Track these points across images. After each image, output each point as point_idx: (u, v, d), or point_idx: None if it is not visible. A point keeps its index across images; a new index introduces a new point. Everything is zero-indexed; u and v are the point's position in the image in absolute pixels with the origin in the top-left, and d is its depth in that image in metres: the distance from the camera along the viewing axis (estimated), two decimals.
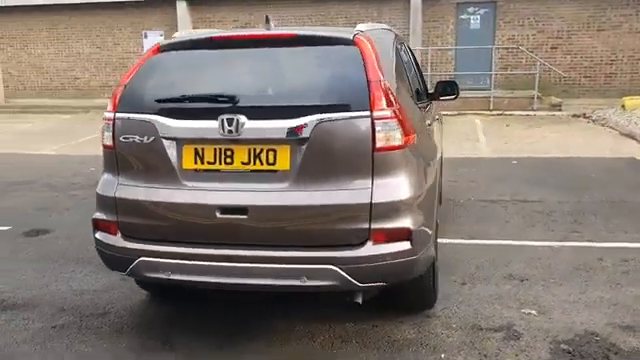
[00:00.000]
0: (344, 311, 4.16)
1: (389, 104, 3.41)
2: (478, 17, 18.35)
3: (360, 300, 3.72)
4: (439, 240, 4.83)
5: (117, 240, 3.72)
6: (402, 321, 4.13)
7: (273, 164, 3.45)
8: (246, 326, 4.13)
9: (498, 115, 16.00)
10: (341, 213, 3.40)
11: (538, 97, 16.51)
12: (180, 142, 3.55)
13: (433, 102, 5.63)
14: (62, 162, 11.01)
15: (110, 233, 3.75)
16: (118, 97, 3.73)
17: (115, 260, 3.78)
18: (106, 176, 3.84)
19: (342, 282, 3.39)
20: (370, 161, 3.38)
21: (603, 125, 13.93)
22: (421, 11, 18.28)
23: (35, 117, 18.58)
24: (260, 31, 3.93)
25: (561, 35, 17.87)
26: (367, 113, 3.36)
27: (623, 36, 17.54)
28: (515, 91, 17.29)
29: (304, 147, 3.39)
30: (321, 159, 3.41)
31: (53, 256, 5.69)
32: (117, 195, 3.70)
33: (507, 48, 18.02)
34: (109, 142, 3.74)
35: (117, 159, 3.73)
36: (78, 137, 13.82)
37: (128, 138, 3.65)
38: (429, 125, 4.69)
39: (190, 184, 3.55)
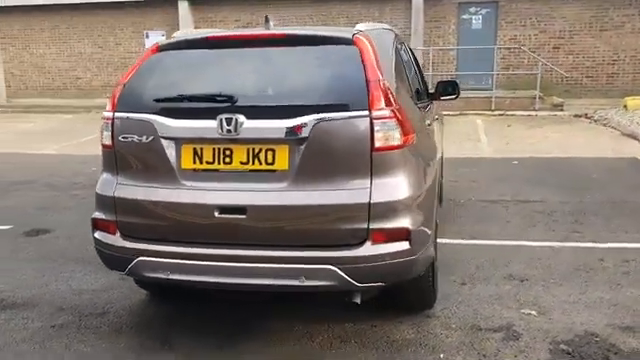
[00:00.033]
0: (343, 311, 4.16)
1: (388, 104, 3.40)
2: (480, 17, 18.33)
3: (359, 300, 3.72)
4: (439, 240, 4.82)
5: (116, 240, 3.72)
6: (401, 321, 4.12)
7: (272, 164, 3.45)
8: (245, 326, 4.12)
9: (500, 115, 15.98)
10: (340, 213, 3.40)
11: (540, 97, 16.49)
12: (179, 142, 3.55)
13: (434, 102, 5.61)
14: (63, 162, 11.02)
15: (109, 233, 3.75)
16: (117, 97, 3.73)
17: (114, 260, 3.78)
18: (105, 176, 3.84)
19: (341, 282, 3.38)
20: (369, 161, 3.38)
21: (605, 125, 13.91)
22: (423, 11, 18.26)
23: (37, 117, 18.61)
24: (260, 31, 3.93)
25: (563, 35, 17.84)
26: (366, 113, 3.35)
27: (625, 36, 17.50)
28: (517, 91, 17.28)
29: (303, 147, 3.39)
30: (320, 159, 3.41)
31: (53, 256, 5.70)
32: (116, 195, 3.70)
33: (509, 48, 17.99)
34: (108, 142, 3.74)
35: (116, 159, 3.73)
36: (79, 137, 13.83)
37: (127, 138, 3.64)
38: (429, 125, 4.68)
39: (189, 184, 3.55)
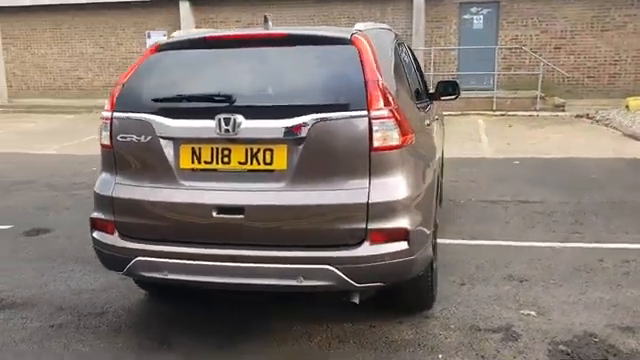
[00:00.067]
0: (342, 311, 4.15)
1: (387, 104, 3.39)
2: (481, 17, 18.33)
3: (357, 300, 3.71)
4: (439, 240, 4.82)
5: (114, 239, 3.71)
6: (400, 321, 4.11)
7: (270, 164, 3.44)
8: (244, 326, 4.12)
9: (501, 115, 15.98)
10: (338, 213, 3.39)
11: (541, 97, 16.49)
12: (177, 142, 3.55)
13: (434, 102, 5.61)
14: (64, 162, 11.04)
15: (107, 232, 3.75)
16: (115, 96, 3.73)
17: (112, 259, 3.77)
18: (104, 175, 3.84)
19: (339, 282, 3.37)
20: (367, 161, 3.37)
21: (606, 126, 13.90)
22: (424, 11, 18.27)
23: (38, 117, 18.65)
24: (258, 30, 3.93)
25: (565, 35, 17.83)
26: (364, 113, 3.35)
27: (627, 36, 17.49)
28: (518, 91, 17.28)
29: (301, 147, 3.38)
30: (318, 159, 3.40)
31: (52, 255, 5.70)
32: (114, 195, 3.69)
33: (510, 48, 17.99)
34: (107, 141, 3.74)
35: (115, 158, 3.73)
36: (80, 137, 13.83)
37: (126, 137, 3.64)
38: (428, 125, 4.67)
39: (187, 184, 3.55)
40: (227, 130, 3.40)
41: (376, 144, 3.36)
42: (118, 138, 3.67)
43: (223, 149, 3.48)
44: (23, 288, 4.91)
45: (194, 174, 3.55)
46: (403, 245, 3.41)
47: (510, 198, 7.49)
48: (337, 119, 3.37)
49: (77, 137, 13.93)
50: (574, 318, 4.13)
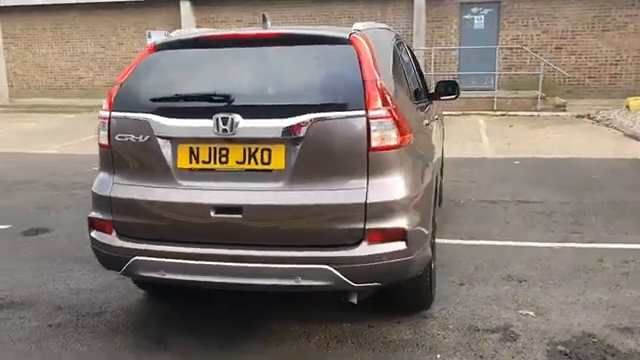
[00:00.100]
0: (340, 311, 4.14)
1: (385, 103, 3.39)
2: (482, 17, 18.32)
3: (355, 300, 3.70)
4: (438, 240, 4.82)
5: (112, 239, 3.71)
6: (399, 322, 4.10)
7: (268, 163, 3.44)
8: (242, 326, 4.11)
9: (502, 115, 15.97)
10: (336, 213, 3.39)
11: (542, 97, 16.48)
12: (175, 141, 3.54)
13: (433, 102, 5.60)
14: (64, 161, 11.04)
15: (105, 232, 3.74)
16: (113, 96, 3.73)
17: (110, 259, 3.77)
18: (102, 175, 3.83)
19: (337, 282, 3.37)
20: (365, 161, 3.36)
21: (607, 126, 13.89)
22: (425, 11, 18.27)
23: (39, 116, 18.65)
24: (257, 30, 3.93)
25: (565, 35, 17.82)
26: (362, 112, 3.34)
27: (628, 36, 17.48)
28: (519, 91, 17.27)
29: (299, 146, 3.38)
30: (316, 158, 3.40)
31: (51, 255, 5.69)
32: (112, 194, 3.69)
33: (511, 48, 17.98)
34: (105, 141, 3.73)
35: (113, 158, 3.72)
36: (81, 136, 13.83)
37: (123, 137, 3.64)
38: (427, 125, 4.66)
39: (185, 183, 3.54)
40: (225, 130, 3.39)
41: (374, 144, 3.35)
42: (116, 138, 3.66)
43: (221, 149, 3.48)
44: (21, 288, 4.91)
45: (192, 174, 3.54)
46: (401, 245, 3.41)
47: (510, 198, 7.48)
48: (335, 119, 3.36)
49: (78, 137, 13.92)
50: (573, 318, 4.12)
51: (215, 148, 3.48)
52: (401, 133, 3.46)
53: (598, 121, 14.60)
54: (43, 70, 22.10)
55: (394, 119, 3.41)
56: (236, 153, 3.46)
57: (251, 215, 3.43)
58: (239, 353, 3.80)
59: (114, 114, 3.68)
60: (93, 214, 3.84)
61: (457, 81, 5.76)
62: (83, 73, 21.68)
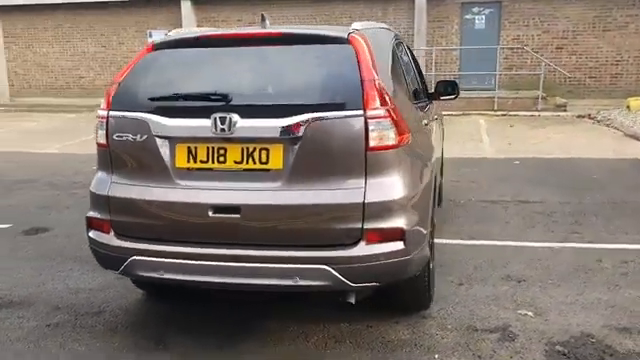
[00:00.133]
0: (339, 311, 4.13)
1: (383, 103, 3.38)
2: (483, 17, 18.31)
3: (353, 300, 3.70)
4: (438, 240, 4.82)
5: (110, 239, 3.71)
6: (397, 322, 4.10)
7: (266, 163, 3.43)
8: (241, 326, 4.11)
9: (502, 115, 15.96)
10: (334, 213, 3.38)
11: (543, 97, 16.46)
12: (173, 141, 3.54)
13: (433, 102, 5.59)
14: (65, 160, 11.04)
15: (103, 232, 3.74)
16: (112, 95, 3.73)
17: (108, 259, 3.77)
18: (100, 174, 3.83)
19: (335, 282, 3.36)
20: (363, 160, 3.36)
21: (608, 126, 13.88)
22: (426, 11, 18.26)
23: (40, 116, 18.66)
24: (255, 29, 3.92)
25: (566, 35, 17.81)
26: (360, 112, 3.34)
27: (629, 36, 17.47)
28: (520, 91, 17.26)
29: (297, 146, 3.37)
30: (314, 158, 3.39)
31: (51, 254, 5.70)
32: (110, 194, 3.69)
33: (512, 48, 17.97)
34: (103, 140, 3.73)
35: (111, 157, 3.72)
36: (82, 136, 13.83)
37: (121, 136, 3.64)
38: (426, 125, 4.65)
39: (183, 183, 3.54)
40: (223, 129, 3.39)
41: (372, 144, 3.35)
42: (114, 137, 3.66)
43: (219, 148, 3.47)
44: (21, 287, 4.91)
45: (190, 173, 3.54)
46: (399, 245, 3.40)
47: (510, 198, 7.48)
48: (333, 118, 3.36)
49: (78, 136, 13.93)
50: (571, 319, 4.12)
51: (213, 148, 3.48)
52: (399, 133, 3.45)
53: (599, 121, 14.58)
54: (44, 69, 22.12)
55: (392, 119, 3.40)
56: (234, 153, 3.46)
57: (249, 215, 3.42)
58: (238, 353, 3.80)
59: (112, 113, 3.68)
60: (91, 214, 3.83)
61: (457, 81, 5.75)
62: (84, 72, 21.69)
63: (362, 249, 3.37)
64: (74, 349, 3.89)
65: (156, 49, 3.85)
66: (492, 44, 17.55)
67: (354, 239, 3.37)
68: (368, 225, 3.36)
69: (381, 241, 3.38)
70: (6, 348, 3.93)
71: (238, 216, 3.41)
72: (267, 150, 3.42)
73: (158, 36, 18.91)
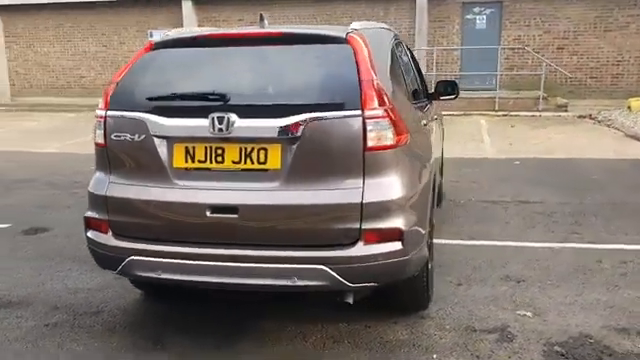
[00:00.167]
0: (337, 311, 4.13)
1: (381, 103, 3.38)
2: (484, 17, 18.31)
3: (351, 300, 3.69)
4: (437, 241, 4.82)
5: (108, 239, 3.70)
6: (395, 322, 4.09)
7: (264, 163, 3.43)
8: (239, 326, 4.10)
9: (503, 116, 15.95)
10: (332, 213, 3.38)
11: (544, 98, 16.45)
12: (171, 140, 3.53)
13: (433, 102, 5.58)
14: (65, 160, 11.04)
15: (101, 232, 3.74)
16: (110, 95, 3.72)
17: (106, 259, 3.76)
18: (98, 174, 3.83)
19: (333, 282, 3.36)
20: (361, 161, 3.35)
21: (609, 126, 13.87)
22: (427, 11, 18.26)
23: (41, 115, 18.67)
24: (254, 29, 3.92)
25: (567, 36, 17.80)
26: (358, 112, 3.33)
27: (630, 37, 17.45)
28: (521, 92, 17.25)
29: (295, 146, 3.37)
30: (312, 158, 3.39)
31: (50, 254, 5.69)
32: (108, 194, 3.68)
33: (513, 48, 17.96)
34: (101, 140, 3.72)
35: (109, 157, 3.72)
36: (82, 135, 13.80)
37: (119, 136, 3.63)
38: (425, 125, 4.64)
39: (181, 183, 3.53)
40: (221, 129, 3.38)
41: (370, 144, 3.34)
42: (112, 137, 3.66)
43: (217, 148, 3.47)
44: (19, 287, 4.91)
45: (188, 173, 3.53)
46: (397, 245, 3.40)
47: (510, 198, 7.47)
48: (331, 118, 3.35)
49: (79, 136, 13.92)
50: (570, 319, 4.11)
51: (211, 147, 3.47)
52: (397, 133, 3.45)
53: (599, 121, 14.58)
54: (45, 69, 22.13)
55: (390, 119, 3.40)
56: (232, 153, 3.45)
57: (247, 215, 3.42)
58: (236, 353, 3.80)
59: (110, 113, 3.68)
60: (89, 213, 3.84)
61: (457, 81, 5.74)
62: (85, 72, 21.71)
63: (360, 249, 3.36)
64: (72, 349, 3.88)
65: (154, 49, 3.84)
66: (493, 44, 17.55)
67: (352, 239, 3.37)
68: (366, 225, 3.35)
69: (379, 241, 3.38)
70: (4, 348, 3.93)
71: (236, 216, 3.41)
72: (265, 150, 3.42)
73: (159, 36, 19.05)
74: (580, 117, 15.38)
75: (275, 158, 3.41)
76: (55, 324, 4.22)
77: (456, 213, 6.86)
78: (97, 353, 3.84)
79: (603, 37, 17.61)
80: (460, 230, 6.21)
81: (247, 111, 3.40)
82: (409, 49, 5.64)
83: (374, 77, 3.42)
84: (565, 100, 16.77)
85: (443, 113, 7.33)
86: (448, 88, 5.50)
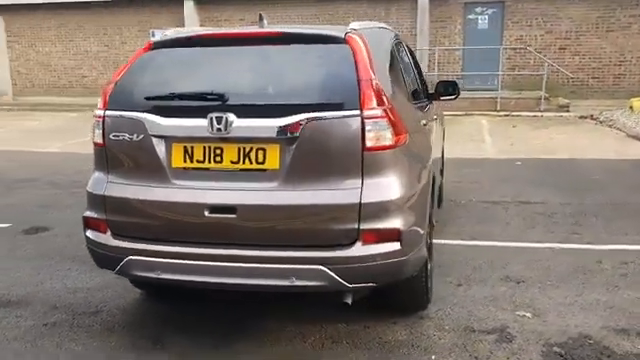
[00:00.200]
0: (336, 312, 4.12)
1: (380, 103, 3.37)
2: (486, 17, 18.29)
3: (349, 300, 3.68)
4: (438, 241, 4.81)
5: (107, 238, 3.70)
6: (394, 322, 4.08)
7: (262, 163, 3.42)
8: (238, 326, 4.10)
9: (505, 116, 15.93)
10: (330, 213, 3.37)
11: (545, 98, 16.43)
12: (169, 140, 3.53)
13: (433, 102, 5.57)
14: (67, 160, 11.05)
15: (100, 231, 3.74)
16: (108, 95, 3.72)
17: (105, 258, 3.77)
18: (96, 174, 3.83)
19: (331, 282, 3.35)
20: (360, 161, 3.35)
21: (610, 127, 13.85)
22: (428, 11, 18.25)
23: (43, 115, 18.70)
24: (253, 29, 3.92)
25: (569, 36, 17.77)
26: (357, 112, 3.32)
27: (632, 37, 17.42)
28: (522, 92, 17.22)
29: (294, 146, 3.36)
30: (310, 158, 3.38)
31: (50, 254, 5.69)
32: (107, 193, 3.68)
33: (515, 48, 17.94)
34: (99, 140, 3.72)
35: (107, 157, 3.71)
36: (84, 135, 13.66)
37: (118, 136, 3.63)
38: (424, 125, 4.63)
39: (179, 183, 3.53)
40: (219, 129, 3.38)
41: (369, 144, 3.33)
42: (110, 137, 3.65)
43: (215, 148, 3.46)
44: (19, 286, 4.91)
45: (186, 173, 3.53)
46: (395, 246, 3.39)
47: (511, 199, 7.45)
48: (330, 118, 3.35)
49: (80, 135, 13.88)
50: (569, 320, 4.10)
51: (209, 147, 3.47)
52: (396, 133, 3.44)
53: (601, 122, 14.55)
54: (47, 69, 22.16)
55: (389, 119, 3.39)
56: (230, 152, 3.45)
57: (245, 215, 3.41)
58: (235, 353, 3.79)
59: (108, 113, 3.67)
60: (88, 213, 3.84)
61: (457, 81, 5.73)
62: (87, 72, 21.73)
63: (358, 249, 3.36)
64: (71, 349, 3.88)
65: (153, 48, 3.85)
66: (495, 44, 17.54)
67: (350, 239, 3.36)
68: (364, 225, 3.34)
69: (377, 241, 3.37)
70: (3, 347, 3.93)
71: (234, 216, 3.40)
72: (264, 150, 3.41)
73: (160, 36, 19.05)
74: (582, 117, 15.36)
75: (273, 158, 3.41)
76: (54, 324, 4.22)
77: (457, 213, 6.85)
78: (96, 353, 3.83)
79: (605, 37, 17.58)
80: (460, 230, 6.19)
81: (246, 111, 3.40)
82: (409, 49, 5.63)
83: (373, 77, 3.41)
84: (567, 100, 16.75)
85: (444, 113, 7.33)
86: (449, 88, 5.48)
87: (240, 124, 3.38)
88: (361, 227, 3.34)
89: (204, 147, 3.48)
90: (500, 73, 17.14)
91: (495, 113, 16.14)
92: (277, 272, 3.39)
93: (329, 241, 3.38)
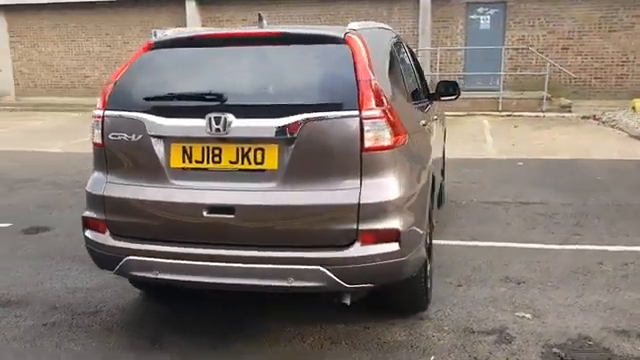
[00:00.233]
0: (335, 312, 4.12)
1: (379, 104, 3.36)
2: (488, 17, 18.26)
3: (348, 301, 3.68)
4: (438, 241, 4.80)
5: (106, 238, 3.71)
6: (394, 323, 4.08)
7: (261, 163, 3.42)
8: (237, 326, 4.10)
9: (507, 116, 15.90)
10: (329, 213, 3.37)
11: (548, 98, 16.39)
12: (168, 140, 3.53)
13: (434, 102, 5.56)
14: (68, 160, 11.06)
15: (99, 231, 3.74)
16: (107, 95, 3.72)
17: (104, 258, 3.77)
18: (96, 174, 3.83)
19: (329, 283, 3.35)
20: (358, 161, 3.34)
21: (613, 127, 13.81)
22: (430, 11, 18.22)
23: (45, 115, 18.71)
24: (252, 29, 3.91)
25: (572, 36, 17.73)
26: (356, 112, 3.32)
27: (635, 37, 17.38)
28: (524, 92, 17.19)
29: (292, 146, 3.36)
30: (309, 159, 3.38)
31: (51, 254, 5.70)
32: (106, 193, 3.68)
33: (517, 49, 17.90)
34: (98, 140, 3.73)
35: (106, 157, 3.72)
36: (86, 135, 13.67)
37: (117, 136, 3.63)
38: (424, 125, 4.62)
39: (178, 183, 3.53)
40: (218, 129, 3.37)
41: (367, 144, 3.33)
42: (110, 137, 3.65)
43: (214, 148, 3.46)
44: (19, 286, 4.91)
45: (185, 173, 3.53)
46: (394, 246, 3.38)
47: (512, 199, 7.44)
48: (329, 119, 3.34)
49: (82, 135, 13.77)
50: (569, 321, 4.09)
51: (208, 147, 3.47)
52: (395, 133, 3.43)
53: (604, 122, 14.52)
54: (49, 69, 22.18)
55: (388, 119, 3.39)
56: (229, 153, 3.45)
57: (243, 215, 3.41)
58: (233, 353, 3.79)
59: (107, 113, 3.68)
60: (87, 213, 3.85)
61: (458, 81, 5.72)
62: (89, 72, 21.74)
63: (357, 250, 3.35)
64: (70, 348, 3.88)
65: (153, 48, 3.86)
66: (497, 44, 17.49)
67: (349, 240, 3.35)
68: (363, 226, 3.34)
69: (376, 242, 3.36)
70: (3, 347, 3.93)
71: (233, 216, 3.40)
72: (262, 150, 3.41)
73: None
74: (584, 118, 15.33)
75: (272, 158, 3.40)
76: (53, 323, 4.22)
77: (458, 214, 6.83)
78: (95, 353, 3.83)
79: (608, 37, 17.54)
80: (461, 231, 6.18)
81: (244, 111, 3.40)
82: (410, 49, 5.62)
83: (372, 77, 3.41)
84: (569, 100, 16.72)
85: (446, 113, 7.32)
86: (449, 88, 5.46)
87: (239, 124, 3.38)
88: (360, 227, 3.34)
89: (203, 147, 3.47)
90: (502, 73, 17.10)
91: (497, 113, 16.12)
92: (275, 272, 3.39)
93: (327, 242, 3.38)
